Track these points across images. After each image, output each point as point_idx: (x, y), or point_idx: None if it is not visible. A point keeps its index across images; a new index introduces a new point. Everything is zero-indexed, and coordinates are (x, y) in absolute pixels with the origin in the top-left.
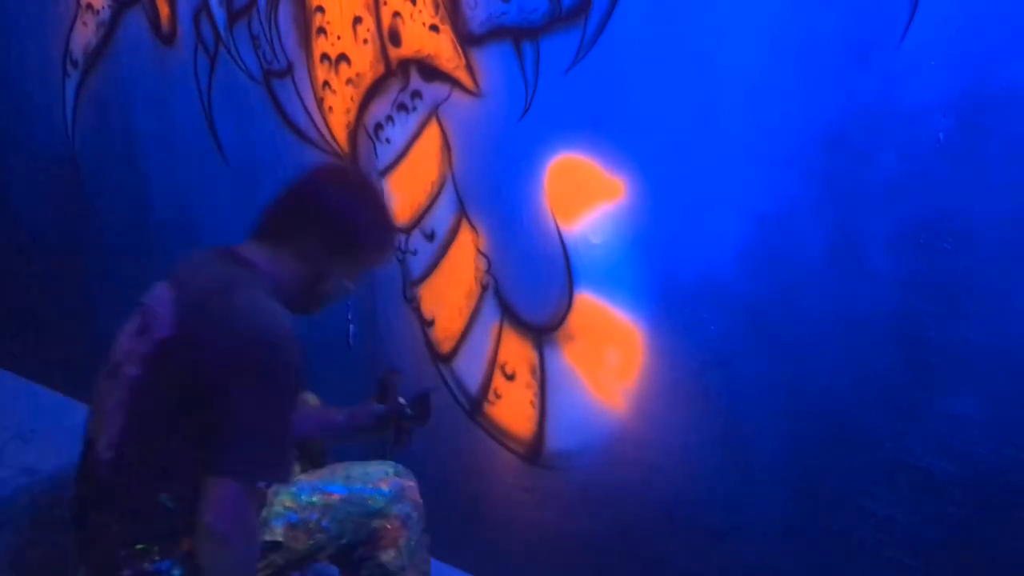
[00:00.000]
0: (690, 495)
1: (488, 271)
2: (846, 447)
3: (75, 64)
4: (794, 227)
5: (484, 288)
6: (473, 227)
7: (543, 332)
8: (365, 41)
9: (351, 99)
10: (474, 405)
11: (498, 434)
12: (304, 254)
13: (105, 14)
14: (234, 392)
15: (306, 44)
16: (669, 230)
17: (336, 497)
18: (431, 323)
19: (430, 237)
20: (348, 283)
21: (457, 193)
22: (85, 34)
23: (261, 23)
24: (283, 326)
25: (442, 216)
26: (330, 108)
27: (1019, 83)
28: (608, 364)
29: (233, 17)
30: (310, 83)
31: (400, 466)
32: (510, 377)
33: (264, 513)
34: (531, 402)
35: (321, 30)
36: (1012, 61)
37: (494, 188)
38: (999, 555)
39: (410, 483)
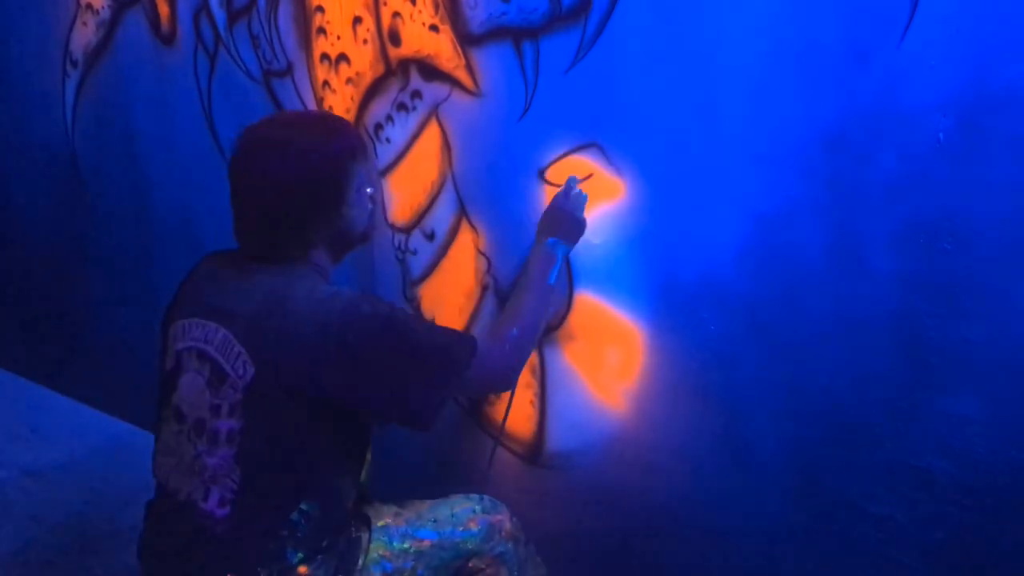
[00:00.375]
0: (690, 495)
1: (488, 271)
2: (846, 447)
3: (75, 64)
4: (794, 227)
5: (484, 288)
6: (473, 227)
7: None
8: (365, 41)
9: (351, 99)
10: (474, 405)
11: (498, 434)
12: (311, 240)
13: (105, 14)
14: (367, 367)
15: (306, 44)
16: (669, 230)
17: (427, 543)
18: None
19: (430, 237)
20: (367, 204)
21: (457, 193)
22: (85, 34)
23: (261, 23)
24: (352, 293)
25: (442, 216)
26: (330, 108)
27: (1019, 83)
28: (608, 364)
29: (233, 17)
30: (310, 83)
31: (486, 499)
32: None
33: (361, 561)
34: (531, 402)
35: (321, 30)
36: (1012, 61)
37: (494, 188)
38: (999, 555)
39: (498, 517)
